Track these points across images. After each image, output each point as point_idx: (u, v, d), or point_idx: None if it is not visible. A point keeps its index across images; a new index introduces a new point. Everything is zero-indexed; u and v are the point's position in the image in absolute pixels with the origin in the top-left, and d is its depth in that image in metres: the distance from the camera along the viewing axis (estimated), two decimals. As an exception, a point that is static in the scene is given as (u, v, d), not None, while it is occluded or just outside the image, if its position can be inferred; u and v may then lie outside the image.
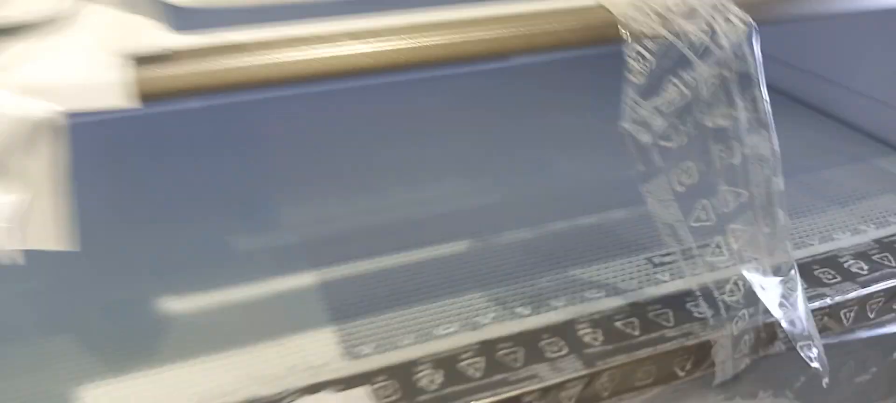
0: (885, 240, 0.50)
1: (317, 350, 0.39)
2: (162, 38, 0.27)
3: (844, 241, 0.50)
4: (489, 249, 0.49)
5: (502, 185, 0.58)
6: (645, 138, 0.33)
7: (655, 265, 0.47)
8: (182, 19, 0.28)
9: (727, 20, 0.32)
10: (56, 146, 0.24)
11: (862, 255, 0.49)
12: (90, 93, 0.24)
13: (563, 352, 0.39)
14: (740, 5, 0.32)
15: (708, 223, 0.37)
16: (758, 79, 0.33)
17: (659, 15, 0.31)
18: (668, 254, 0.48)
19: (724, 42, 0.32)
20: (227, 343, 0.40)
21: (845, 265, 0.47)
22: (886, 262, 0.48)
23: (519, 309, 0.43)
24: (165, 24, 0.28)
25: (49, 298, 0.44)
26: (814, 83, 0.70)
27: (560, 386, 0.38)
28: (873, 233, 0.51)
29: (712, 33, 0.32)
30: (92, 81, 0.24)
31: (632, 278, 0.46)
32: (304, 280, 0.46)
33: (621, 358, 0.40)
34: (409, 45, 0.28)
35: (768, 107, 0.35)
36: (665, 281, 0.46)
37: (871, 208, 0.54)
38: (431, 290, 0.45)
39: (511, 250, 0.49)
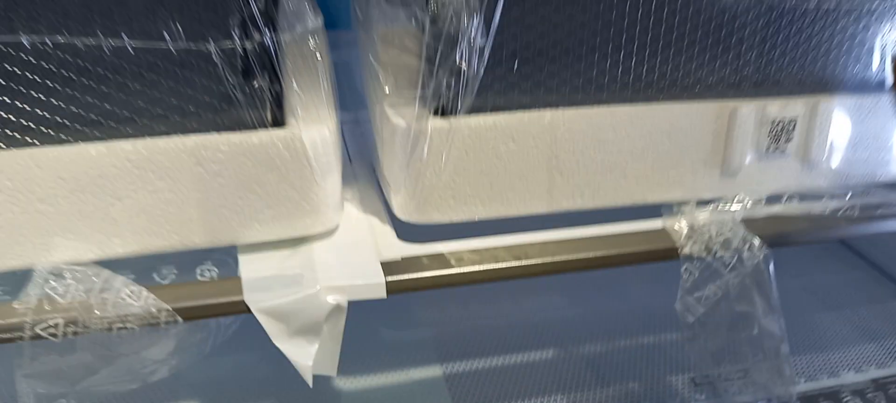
0: (881, 381, 0.65)
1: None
2: (399, 247, 0.45)
3: (847, 378, 0.65)
4: (567, 359, 0.66)
5: (583, 302, 0.74)
6: (689, 318, 0.50)
7: (697, 384, 0.63)
8: (410, 232, 0.46)
9: (750, 248, 0.48)
10: (340, 318, 0.42)
11: (859, 393, 0.63)
12: (363, 290, 0.42)
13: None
14: (760, 237, 0.48)
15: (734, 375, 0.53)
16: (770, 285, 0.49)
17: (704, 243, 0.48)
18: (707, 376, 0.63)
19: (747, 262, 0.48)
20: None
21: (844, 401, 0.62)
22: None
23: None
24: (397, 234, 0.46)
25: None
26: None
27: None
28: (873, 373, 0.66)
29: (740, 257, 0.48)
30: (366, 283, 0.42)
31: (676, 394, 0.62)
32: (432, 371, 0.63)
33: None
34: (542, 261, 0.45)
35: (777, 301, 0.50)
36: (700, 400, 0.61)
37: (876, 349, 0.68)
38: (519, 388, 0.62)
39: (586, 360, 0.65)
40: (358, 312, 0.71)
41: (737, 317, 0.51)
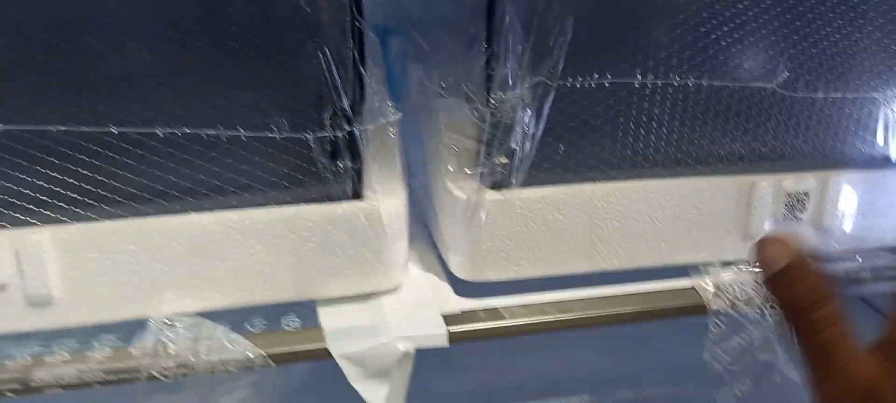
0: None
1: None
2: (457, 301, 0.51)
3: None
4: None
5: (619, 353, 0.80)
6: (717, 367, 0.55)
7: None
8: (466, 288, 0.52)
9: (772, 306, 0.54)
10: (408, 363, 0.48)
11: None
12: (429, 340, 0.48)
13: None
14: (780, 296, 0.54)
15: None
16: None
17: (730, 300, 0.54)
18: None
19: (769, 317, 0.54)
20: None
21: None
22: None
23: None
24: (455, 290, 0.52)
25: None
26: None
27: None
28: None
29: (763, 313, 0.54)
30: (431, 333, 0.49)
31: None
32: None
33: None
34: (584, 315, 0.51)
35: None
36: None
37: None
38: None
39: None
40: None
41: (760, 366, 0.56)
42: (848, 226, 0.57)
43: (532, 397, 0.72)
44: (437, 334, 0.49)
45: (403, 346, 0.48)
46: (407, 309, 0.51)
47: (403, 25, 0.60)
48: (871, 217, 0.58)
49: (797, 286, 0.37)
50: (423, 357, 0.49)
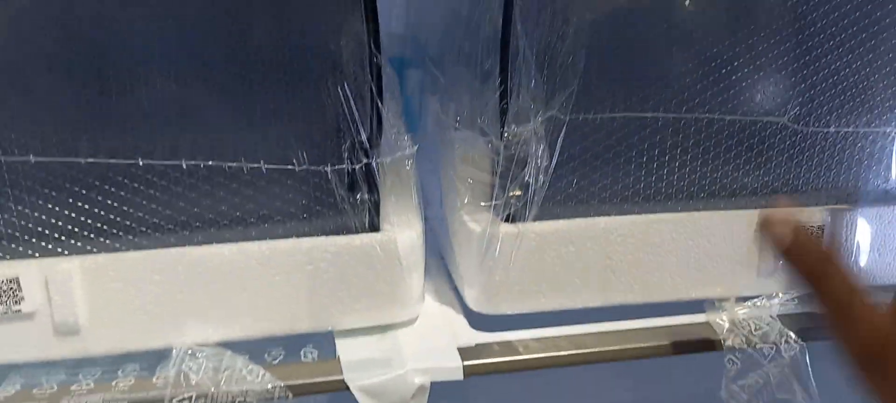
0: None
1: None
2: (472, 335, 0.52)
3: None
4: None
5: (632, 388, 0.79)
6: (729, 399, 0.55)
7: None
8: (480, 321, 0.53)
9: (786, 341, 0.54)
10: (424, 396, 0.49)
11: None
12: (444, 372, 0.49)
13: None
14: (795, 331, 0.54)
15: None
16: (808, 375, 0.54)
17: (745, 336, 0.54)
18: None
19: (785, 354, 0.54)
20: None
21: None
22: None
23: None
24: (470, 323, 0.53)
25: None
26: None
27: None
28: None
29: (777, 349, 0.54)
30: (446, 366, 0.49)
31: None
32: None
33: None
34: (598, 350, 0.52)
35: (815, 390, 0.55)
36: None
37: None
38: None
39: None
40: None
41: (778, 404, 0.56)
42: (862, 261, 0.57)
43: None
44: (452, 367, 0.49)
45: (419, 379, 0.48)
46: (422, 341, 0.51)
47: (421, 58, 0.62)
48: (886, 252, 0.57)
49: (808, 258, 0.41)
50: (438, 390, 0.49)
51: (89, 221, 0.45)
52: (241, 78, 0.44)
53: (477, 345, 0.51)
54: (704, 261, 0.55)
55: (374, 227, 0.50)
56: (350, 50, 0.45)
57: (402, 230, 0.50)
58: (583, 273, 0.53)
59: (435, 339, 0.52)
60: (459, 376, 0.49)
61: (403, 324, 0.53)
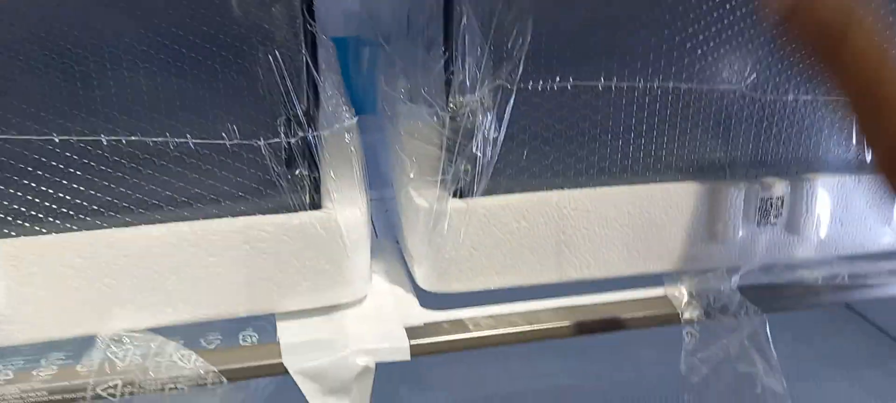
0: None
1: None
2: (421, 314, 0.50)
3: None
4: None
5: (590, 364, 0.78)
6: (694, 379, 0.53)
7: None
8: (434, 301, 0.50)
9: (746, 312, 0.52)
10: (368, 378, 0.46)
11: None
12: (390, 353, 0.47)
13: None
14: (755, 303, 0.52)
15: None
16: (768, 346, 0.53)
17: (704, 308, 0.52)
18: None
19: (745, 326, 0.52)
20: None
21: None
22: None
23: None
24: (421, 302, 0.51)
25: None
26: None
27: None
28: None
29: (738, 320, 0.52)
30: (393, 346, 0.47)
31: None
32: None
33: None
34: (553, 326, 0.50)
35: (776, 361, 0.54)
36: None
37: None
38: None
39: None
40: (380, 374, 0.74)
41: (740, 378, 0.54)
42: (823, 232, 0.55)
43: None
44: (398, 347, 0.47)
45: (362, 360, 0.46)
46: (369, 322, 0.49)
47: (374, 34, 0.59)
48: (848, 222, 0.56)
49: (824, 11, 0.32)
50: (392, 370, 0.47)
51: (5, 203, 0.42)
52: (164, 47, 0.41)
53: (426, 325, 0.49)
54: (662, 234, 0.53)
55: (315, 205, 0.47)
56: (281, 18, 0.42)
57: (345, 207, 0.47)
58: (536, 248, 0.51)
59: (382, 320, 0.49)
60: (406, 356, 0.47)
61: (349, 305, 0.50)
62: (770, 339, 0.53)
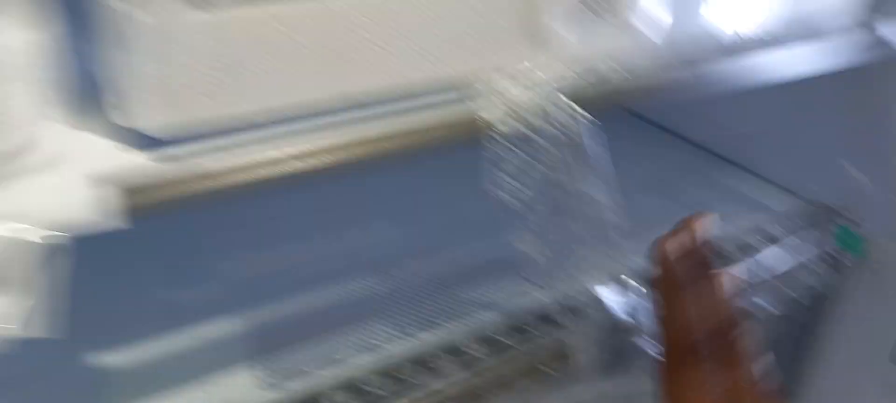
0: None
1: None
2: (129, 158, 0.34)
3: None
4: (390, 280, 0.59)
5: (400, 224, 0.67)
6: (502, 194, 0.43)
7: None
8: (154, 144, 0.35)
9: (572, 119, 0.43)
10: (52, 259, 0.31)
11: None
12: (76, 215, 0.31)
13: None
14: (581, 106, 0.43)
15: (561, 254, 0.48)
16: (596, 156, 0.44)
17: (519, 118, 0.42)
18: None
19: (568, 135, 0.43)
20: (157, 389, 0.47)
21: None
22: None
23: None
24: (127, 144, 0.35)
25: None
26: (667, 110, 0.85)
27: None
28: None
29: (560, 130, 0.42)
30: (83, 210, 0.31)
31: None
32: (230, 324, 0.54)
33: (497, 361, 0.51)
34: (329, 160, 0.37)
35: (608, 172, 0.45)
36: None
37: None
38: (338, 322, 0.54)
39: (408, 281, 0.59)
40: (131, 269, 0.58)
41: (553, 188, 0.45)
42: (659, 26, 0.46)
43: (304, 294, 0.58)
44: (98, 209, 0.32)
45: (27, 234, 0.30)
46: (46, 181, 0.33)
47: None
48: (691, 12, 0.47)
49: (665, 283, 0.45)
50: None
51: None
52: None
53: (141, 174, 0.34)
54: (462, 31, 0.41)
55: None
56: None
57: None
58: (299, 61, 0.36)
59: (71, 179, 0.33)
60: (117, 221, 0.32)
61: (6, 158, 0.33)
62: (597, 147, 0.45)
